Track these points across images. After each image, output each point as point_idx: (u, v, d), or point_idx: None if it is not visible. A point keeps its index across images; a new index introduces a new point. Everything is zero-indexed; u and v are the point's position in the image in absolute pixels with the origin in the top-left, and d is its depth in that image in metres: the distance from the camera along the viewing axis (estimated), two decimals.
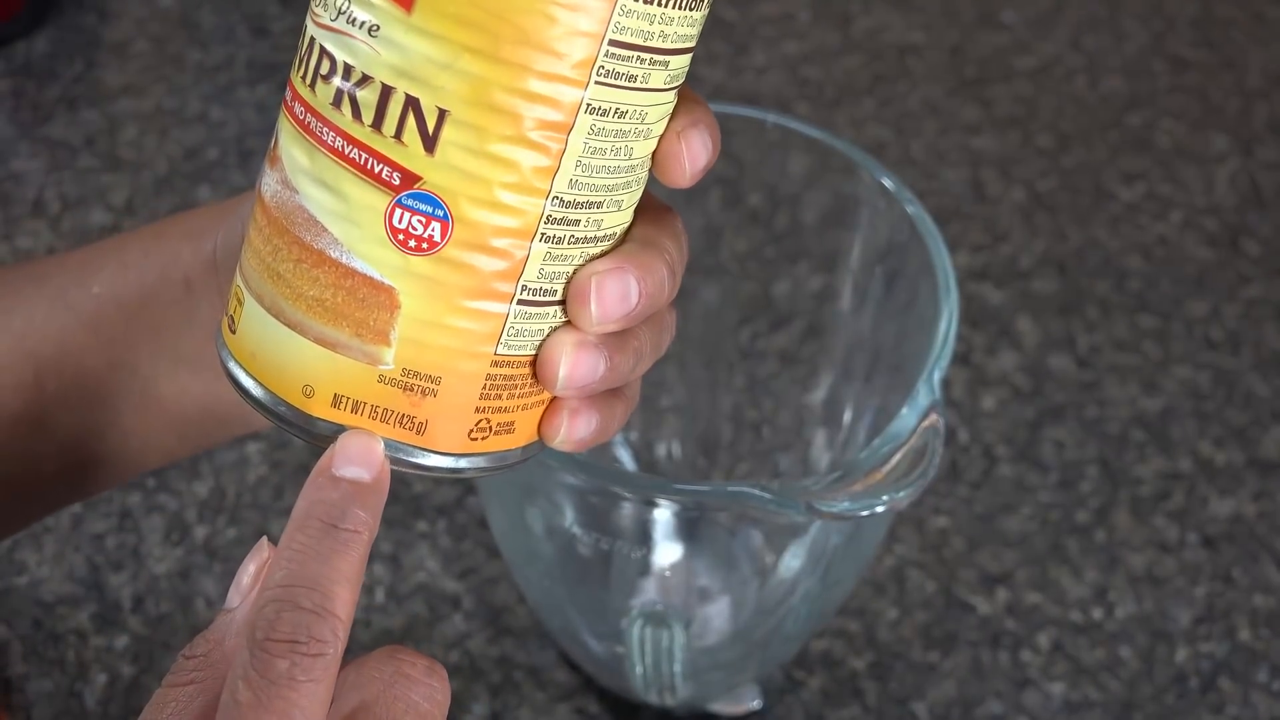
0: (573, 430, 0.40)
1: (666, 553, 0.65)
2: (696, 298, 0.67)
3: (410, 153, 0.36)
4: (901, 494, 0.49)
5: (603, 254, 0.39)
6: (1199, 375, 0.78)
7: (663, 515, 0.62)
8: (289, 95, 0.38)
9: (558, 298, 0.38)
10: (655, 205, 0.41)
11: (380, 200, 0.36)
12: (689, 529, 0.65)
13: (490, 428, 0.39)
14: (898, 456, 0.50)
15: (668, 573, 0.65)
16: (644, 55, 0.36)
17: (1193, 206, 0.86)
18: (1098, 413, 0.76)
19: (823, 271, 0.65)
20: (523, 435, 0.40)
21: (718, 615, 0.65)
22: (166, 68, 0.90)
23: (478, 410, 0.38)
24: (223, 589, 0.68)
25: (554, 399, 0.40)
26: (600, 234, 0.38)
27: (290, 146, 0.37)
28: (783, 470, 0.68)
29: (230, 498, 0.71)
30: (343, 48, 0.36)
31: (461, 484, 0.71)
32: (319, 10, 0.37)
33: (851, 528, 0.57)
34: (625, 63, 0.36)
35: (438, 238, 0.36)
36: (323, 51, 0.36)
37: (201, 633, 0.37)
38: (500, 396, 0.39)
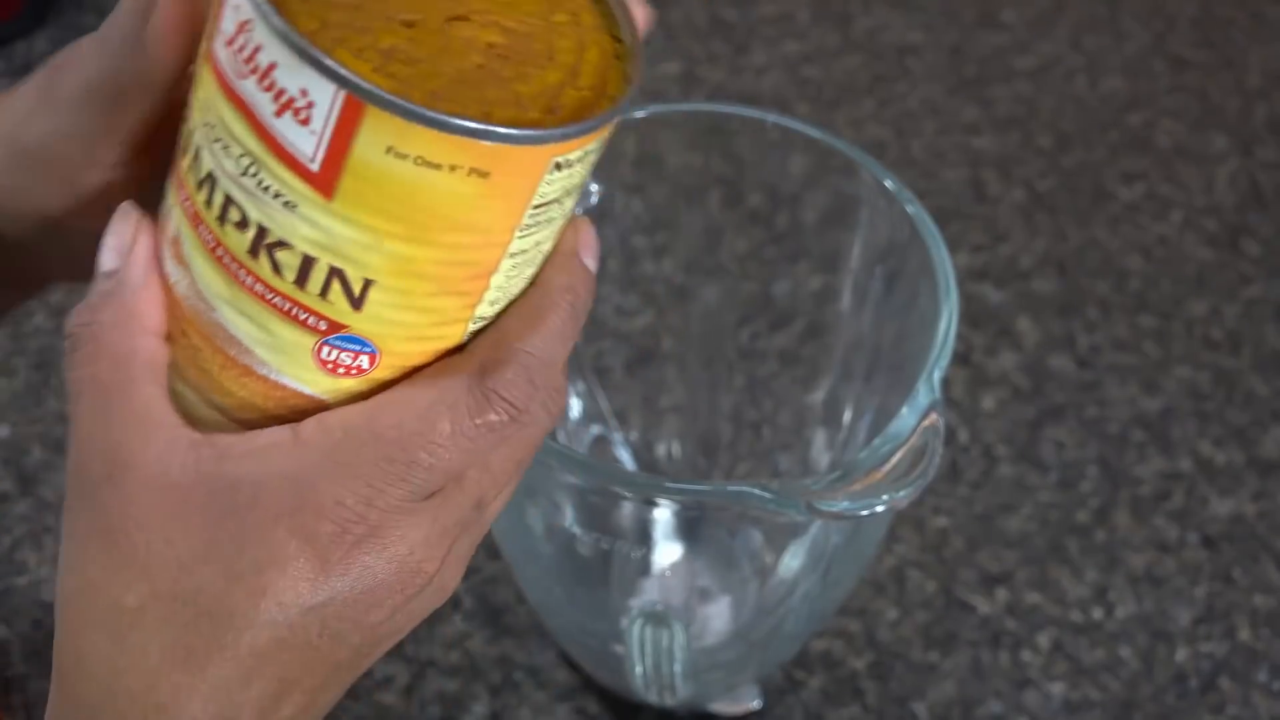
0: None
1: (666, 553, 0.65)
2: (696, 298, 0.67)
3: (336, 309, 0.35)
4: (901, 494, 0.49)
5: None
6: (1199, 375, 0.78)
7: (663, 515, 0.62)
8: (186, 203, 0.36)
9: None
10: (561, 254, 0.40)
11: (308, 339, 0.36)
12: (689, 529, 0.65)
13: None
14: (898, 456, 0.50)
15: (668, 573, 0.65)
16: (564, 199, 0.36)
17: (1193, 206, 0.86)
18: (1098, 413, 0.76)
19: (823, 271, 0.65)
20: None
21: (718, 615, 0.65)
22: None
23: None
24: None
25: None
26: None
27: (200, 265, 0.36)
28: (783, 470, 0.68)
29: None
30: (256, 208, 0.34)
31: None
32: (219, 151, 0.34)
33: (851, 528, 0.57)
34: (546, 210, 0.36)
35: (366, 366, 0.36)
36: (229, 200, 0.34)
37: (83, 304, 0.38)
38: None
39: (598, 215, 0.62)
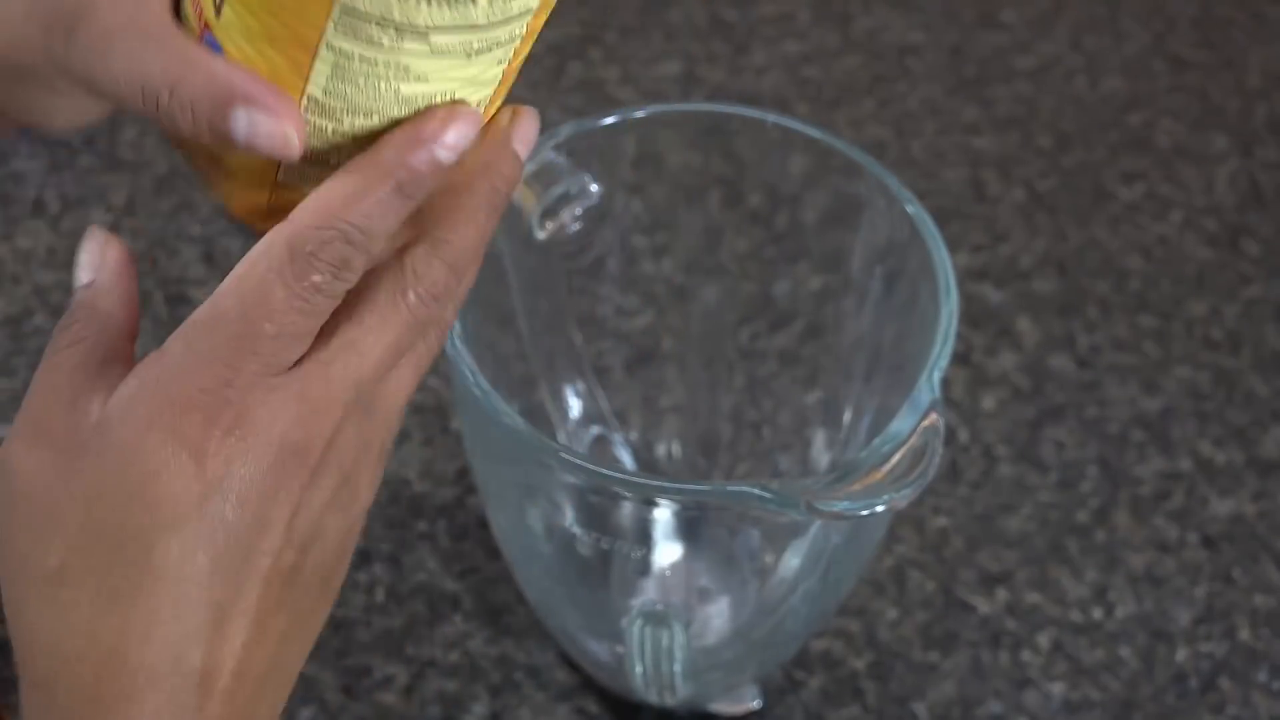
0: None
1: (666, 553, 0.65)
2: (696, 298, 0.67)
3: (206, 7, 0.38)
4: (901, 494, 0.49)
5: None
6: (1199, 375, 0.78)
7: (663, 515, 0.62)
8: None
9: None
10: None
11: (196, 25, 0.39)
12: (689, 529, 0.65)
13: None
14: (898, 456, 0.50)
15: (668, 573, 0.65)
16: (386, 25, 0.37)
17: (1193, 206, 0.86)
18: (1098, 413, 0.76)
19: (823, 271, 0.65)
20: None
21: (718, 615, 0.65)
22: None
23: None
24: None
25: None
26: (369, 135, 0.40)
27: None
28: (783, 470, 0.68)
29: None
30: None
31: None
32: None
33: (851, 528, 0.57)
34: (365, 28, 0.37)
35: None
36: None
37: (70, 309, 0.39)
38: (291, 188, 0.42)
39: (598, 215, 0.62)
